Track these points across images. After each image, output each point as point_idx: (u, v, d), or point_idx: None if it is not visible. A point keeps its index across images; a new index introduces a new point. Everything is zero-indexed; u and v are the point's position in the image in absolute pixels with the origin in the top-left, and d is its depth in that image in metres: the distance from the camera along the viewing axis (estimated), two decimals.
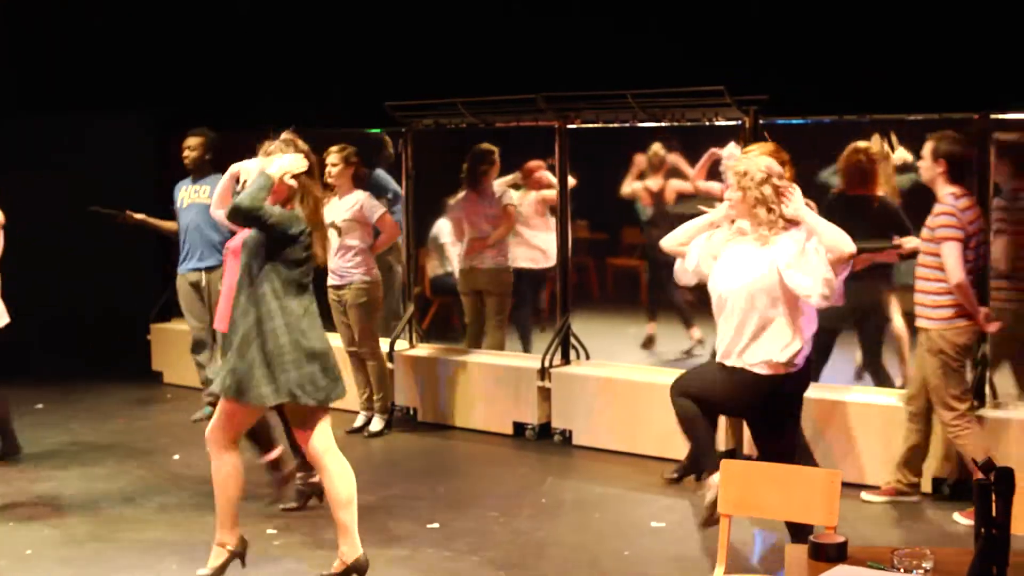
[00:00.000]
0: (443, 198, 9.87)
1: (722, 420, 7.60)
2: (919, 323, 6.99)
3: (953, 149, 6.92)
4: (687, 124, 8.32)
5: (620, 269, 9.43)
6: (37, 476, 8.03)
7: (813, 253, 5.38)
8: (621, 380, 8.52)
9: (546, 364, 8.83)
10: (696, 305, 8.30)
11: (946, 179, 6.92)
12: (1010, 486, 3.49)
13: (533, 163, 9.34)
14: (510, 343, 9.48)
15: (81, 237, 10.71)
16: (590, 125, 8.93)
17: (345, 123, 10.11)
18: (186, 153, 9.24)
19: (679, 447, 7.54)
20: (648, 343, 9.00)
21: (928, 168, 6.95)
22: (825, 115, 8.04)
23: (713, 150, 8.32)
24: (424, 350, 9.71)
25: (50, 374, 11.05)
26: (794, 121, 8.17)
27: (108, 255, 11.04)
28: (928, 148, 6.95)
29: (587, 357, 9.04)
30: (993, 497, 3.50)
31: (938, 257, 6.79)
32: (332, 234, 8.83)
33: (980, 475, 3.52)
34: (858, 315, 7.90)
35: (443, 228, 9.94)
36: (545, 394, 8.84)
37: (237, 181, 5.93)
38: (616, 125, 8.76)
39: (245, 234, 6.31)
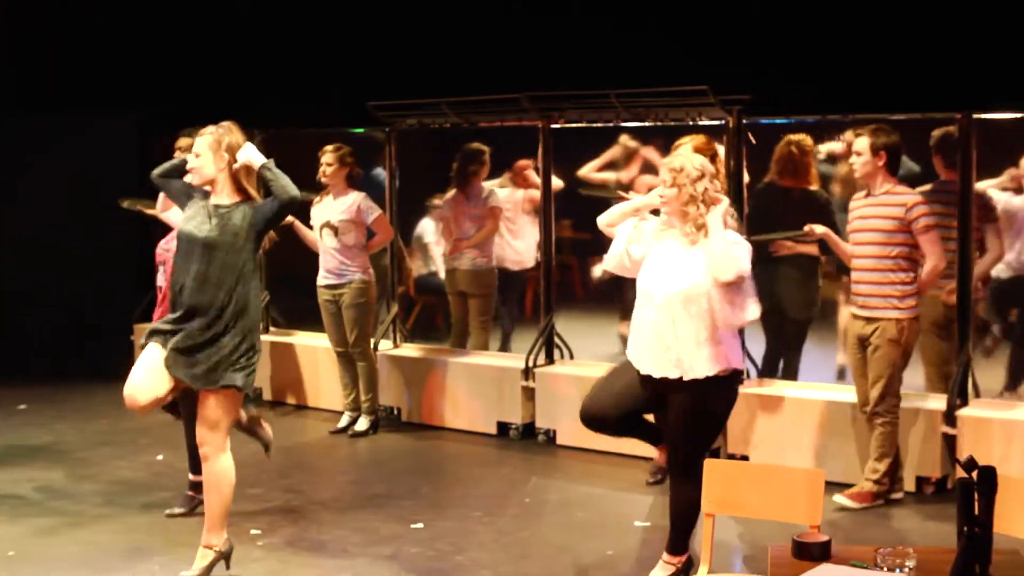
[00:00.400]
0: (427, 198, 9.88)
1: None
2: (877, 314, 6.98)
3: (891, 141, 6.99)
4: (671, 124, 8.32)
5: None
6: (21, 476, 7.99)
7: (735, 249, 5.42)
8: None
9: (530, 364, 8.83)
10: None
11: (886, 172, 6.99)
12: (992, 485, 3.51)
13: (522, 162, 9.34)
14: (494, 343, 9.49)
15: (79, 237, 10.71)
16: (574, 125, 8.93)
17: (329, 123, 10.10)
18: (177, 154, 9.20)
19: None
20: None
21: (867, 163, 6.96)
22: (808, 115, 8.07)
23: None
24: (408, 350, 9.70)
25: (36, 374, 11.01)
26: (778, 121, 8.20)
27: (104, 256, 11.03)
28: (864, 143, 6.96)
29: (571, 357, 9.04)
30: (976, 496, 3.51)
31: (907, 247, 6.90)
32: (327, 233, 8.82)
33: (962, 473, 3.54)
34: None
35: (427, 228, 9.94)
36: (529, 394, 8.84)
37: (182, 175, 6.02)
38: (600, 125, 8.76)
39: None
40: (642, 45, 9.18)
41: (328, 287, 8.94)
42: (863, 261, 7.02)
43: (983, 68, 7.83)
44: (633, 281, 5.69)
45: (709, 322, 5.42)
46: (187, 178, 5.98)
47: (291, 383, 10.12)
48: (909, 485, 7.33)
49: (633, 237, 5.67)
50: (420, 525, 6.93)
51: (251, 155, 5.82)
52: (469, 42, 9.97)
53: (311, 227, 9.00)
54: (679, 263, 5.47)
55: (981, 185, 7.46)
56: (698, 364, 5.45)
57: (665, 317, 5.46)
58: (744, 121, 8.12)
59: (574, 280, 9.45)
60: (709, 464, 4.75)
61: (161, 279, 7.08)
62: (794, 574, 3.73)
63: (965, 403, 7.42)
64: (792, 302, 7.72)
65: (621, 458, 8.15)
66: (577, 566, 6.31)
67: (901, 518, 6.99)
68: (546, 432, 8.71)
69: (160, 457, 8.43)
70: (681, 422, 5.58)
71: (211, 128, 5.90)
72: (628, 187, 7.86)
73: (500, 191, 9.44)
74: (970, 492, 3.51)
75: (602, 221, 5.88)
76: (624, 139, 8.80)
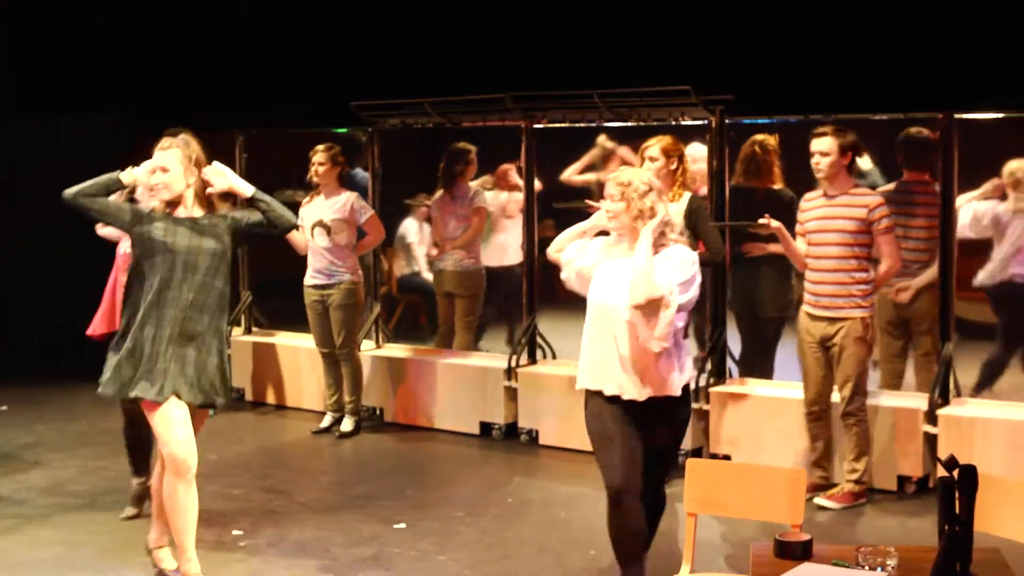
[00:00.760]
0: (409, 197, 9.87)
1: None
2: (842, 313, 6.99)
3: (854, 140, 7.08)
4: (653, 124, 8.33)
5: None
6: (0, 479, 7.97)
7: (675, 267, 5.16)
8: None
9: (513, 364, 8.83)
10: None
11: (847, 172, 7.07)
12: (973, 484, 3.52)
13: (505, 165, 9.34)
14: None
15: (79, 237, 10.66)
16: (557, 125, 8.93)
17: (311, 123, 10.09)
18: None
19: None
20: None
21: (834, 163, 7.00)
22: (791, 115, 8.08)
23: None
24: (391, 350, 9.69)
25: (16, 375, 10.97)
26: (760, 121, 8.21)
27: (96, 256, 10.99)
28: (832, 143, 6.99)
29: (553, 357, 9.04)
30: (956, 495, 3.52)
31: (867, 247, 6.98)
32: (318, 233, 8.81)
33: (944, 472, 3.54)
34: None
35: (410, 227, 9.93)
36: (512, 394, 8.84)
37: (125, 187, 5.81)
38: (583, 125, 8.77)
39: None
40: (625, 45, 9.18)
41: (316, 287, 8.92)
42: (825, 262, 7.04)
43: (965, 68, 7.85)
44: None
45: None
46: (153, 194, 5.74)
47: (272, 383, 10.10)
48: (891, 484, 7.36)
49: (579, 257, 5.44)
50: (403, 525, 6.93)
51: (236, 184, 5.70)
52: (452, 42, 9.96)
53: (299, 228, 8.98)
54: (625, 282, 5.18)
55: (963, 199, 7.48)
56: (655, 386, 5.21)
57: (617, 332, 5.21)
58: (727, 121, 8.14)
59: (557, 280, 9.43)
60: (691, 464, 4.75)
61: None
62: (776, 573, 3.73)
63: (946, 402, 7.45)
64: (767, 301, 7.74)
65: None
66: (560, 566, 6.31)
67: (882, 517, 7.01)
68: (529, 432, 8.70)
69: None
70: (673, 437, 5.44)
71: (172, 141, 5.76)
72: (597, 197, 7.88)
73: (487, 193, 9.43)
74: (951, 491, 3.53)
75: (551, 250, 5.66)
76: (602, 139, 8.81)
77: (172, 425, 5.57)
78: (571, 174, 8.96)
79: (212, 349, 5.68)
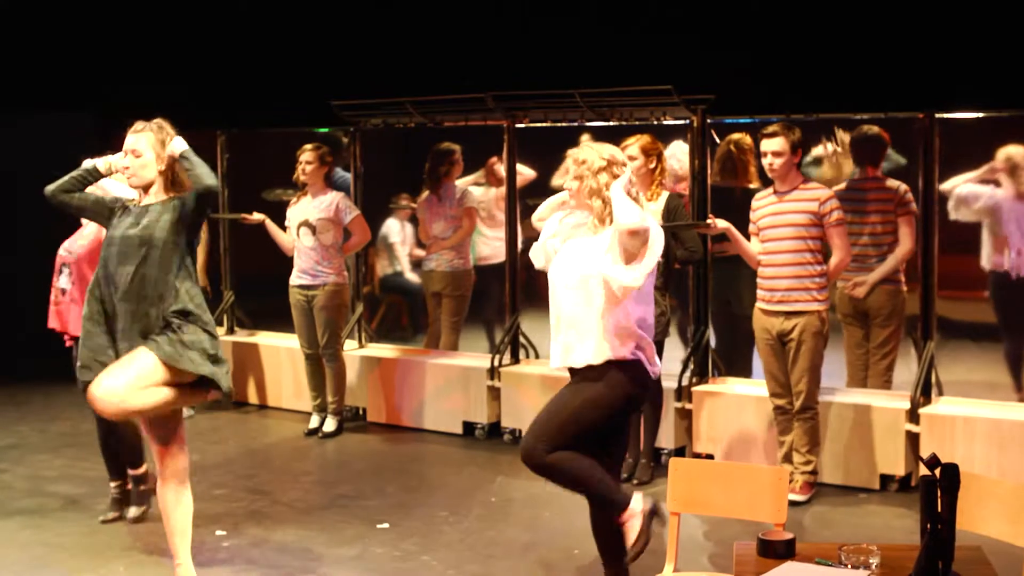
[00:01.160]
0: (391, 198, 9.86)
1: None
2: (798, 307, 7.04)
3: (801, 138, 7.15)
4: (635, 123, 8.34)
5: None
6: None
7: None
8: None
9: (496, 363, 8.83)
10: None
11: (797, 169, 7.15)
12: (955, 482, 3.53)
13: (495, 158, 9.33)
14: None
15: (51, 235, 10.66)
16: (539, 124, 8.94)
17: (293, 122, 10.08)
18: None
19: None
20: None
21: (787, 162, 7.06)
22: (772, 114, 8.09)
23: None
24: (374, 350, 9.69)
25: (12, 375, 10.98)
26: (742, 120, 8.22)
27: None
28: (784, 142, 7.04)
29: (536, 356, 9.04)
30: (939, 493, 3.53)
31: (819, 241, 7.05)
32: (304, 232, 8.80)
33: (927, 471, 3.55)
34: None
35: (392, 227, 9.92)
36: (495, 393, 8.84)
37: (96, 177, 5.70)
38: (564, 124, 8.77)
39: (89, 236, 6.22)
40: (607, 45, 9.19)
41: (301, 287, 8.91)
42: (780, 256, 7.09)
43: (945, 68, 7.88)
44: None
45: (601, 311, 5.11)
46: (124, 182, 5.68)
47: (255, 383, 10.09)
48: (873, 483, 7.38)
49: (554, 231, 5.38)
50: (386, 525, 6.92)
51: (175, 144, 5.51)
52: (434, 42, 9.96)
53: (285, 228, 8.97)
54: (581, 253, 5.16)
55: (956, 180, 7.49)
56: (585, 353, 5.15)
57: (563, 304, 5.18)
58: (708, 120, 8.15)
59: (539, 280, 9.43)
60: (674, 463, 4.75)
61: (65, 281, 6.87)
62: (759, 572, 3.74)
63: (928, 401, 7.47)
64: (744, 299, 7.76)
65: None
66: (543, 565, 6.31)
67: (865, 515, 7.03)
68: (512, 431, 8.70)
69: None
70: (571, 398, 5.24)
71: (146, 124, 5.56)
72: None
73: (475, 189, 9.42)
74: (933, 489, 3.53)
75: (535, 216, 5.56)
76: (585, 139, 8.80)
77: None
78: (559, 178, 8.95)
79: (161, 339, 5.38)
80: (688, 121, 8.18)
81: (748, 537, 4.19)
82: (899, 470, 7.37)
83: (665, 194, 7.37)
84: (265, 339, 10.24)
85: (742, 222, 7.29)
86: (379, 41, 10.30)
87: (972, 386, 7.59)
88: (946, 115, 7.47)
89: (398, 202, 9.85)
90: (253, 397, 10.10)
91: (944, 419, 7.26)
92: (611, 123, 8.50)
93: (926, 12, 8.06)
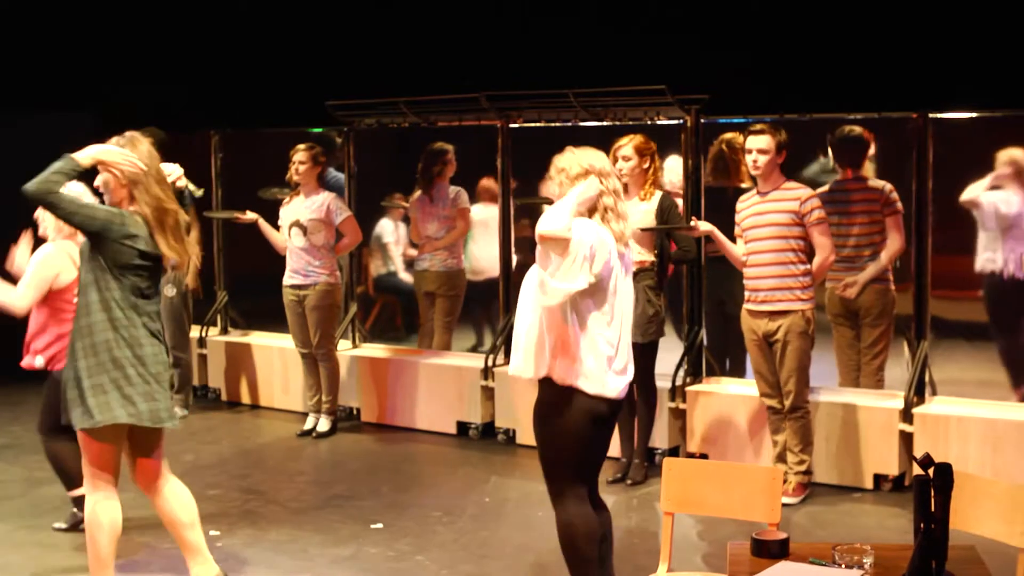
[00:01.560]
0: (385, 198, 9.86)
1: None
2: (782, 307, 7.05)
3: (786, 139, 7.13)
4: (629, 123, 8.34)
5: None
6: None
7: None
8: None
9: (489, 363, 8.83)
10: None
11: (779, 169, 7.16)
12: (948, 482, 3.53)
13: (485, 181, 9.33)
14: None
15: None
16: (532, 124, 8.93)
17: (286, 123, 10.07)
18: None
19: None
20: None
21: (771, 161, 7.07)
22: (766, 114, 8.10)
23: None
24: (367, 350, 9.68)
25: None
26: (735, 120, 8.22)
27: None
28: (770, 141, 7.05)
29: None
30: (932, 493, 3.54)
31: (802, 240, 7.04)
32: (295, 232, 8.79)
33: (920, 470, 3.56)
34: None
35: (386, 227, 9.92)
36: (488, 393, 8.84)
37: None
38: (558, 124, 8.77)
39: None
40: (601, 45, 9.19)
41: (294, 287, 8.90)
42: (763, 256, 7.10)
43: (940, 68, 7.88)
44: None
45: (546, 325, 5.09)
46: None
47: (247, 383, 10.08)
48: (867, 482, 7.39)
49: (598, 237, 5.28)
50: (380, 525, 6.92)
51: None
52: (427, 42, 9.96)
53: (278, 228, 8.97)
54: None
55: (975, 189, 7.39)
56: (531, 365, 5.19)
57: (532, 321, 5.17)
58: (702, 120, 8.16)
59: None
60: (668, 463, 4.76)
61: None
62: (753, 571, 3.75)
63: (922, 400, 7.48)
64: (738, 299, 7.75)
65: None
66: (537, 565, 6.31)
67: (859, 515, 7.04)
68: (506, 431, 8.70)
69: None
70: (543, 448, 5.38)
71: (118, 139, 5.40)
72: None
73: (481, 209, 9.42)
74: (927, 489, 3.54)
75: (563, 229, 4.79)
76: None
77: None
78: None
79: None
80: (682, 121, 8.18)
81: (742, 537, 4.20)
82: (893, 470, 7.37)
83: (658, 194, 7.38)
84: (259, 339, 10.23)
85: (725, 222, 7.32)
86: (373, 41, 10.30)
87: (966, 386, 7.60)
88: (940, 115, 7.48)
89: (391, 201, 9.85)
90: (246, 397, 10.09)
91: (938, 419, 7.26)
92: (605, 123, 8.50)
93: (920, 13, 8.07)
